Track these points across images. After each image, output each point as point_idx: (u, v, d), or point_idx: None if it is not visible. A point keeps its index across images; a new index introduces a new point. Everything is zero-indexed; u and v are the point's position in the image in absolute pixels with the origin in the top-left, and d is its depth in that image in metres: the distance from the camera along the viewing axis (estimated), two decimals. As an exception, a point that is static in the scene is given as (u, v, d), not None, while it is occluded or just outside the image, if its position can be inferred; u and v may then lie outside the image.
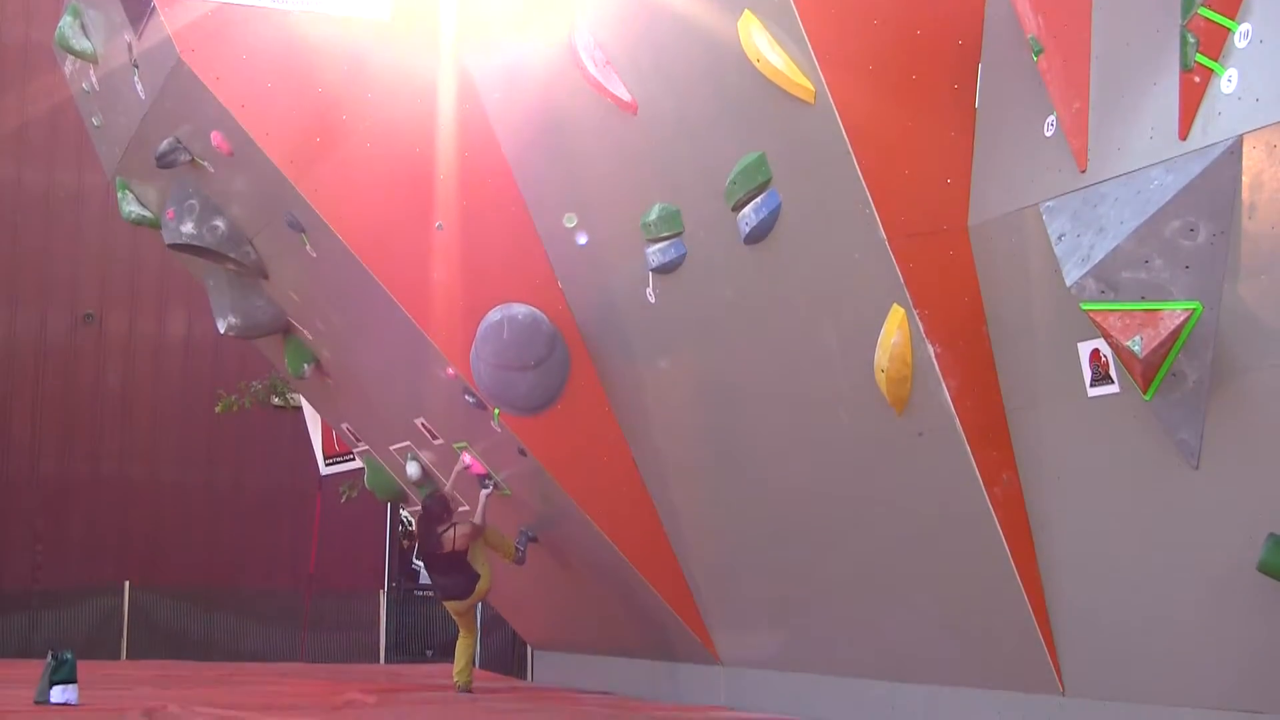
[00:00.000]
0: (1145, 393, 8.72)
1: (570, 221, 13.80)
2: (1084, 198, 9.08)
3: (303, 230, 14.61)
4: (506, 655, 25.59)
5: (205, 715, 12.17)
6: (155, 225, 17.37)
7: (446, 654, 26.62)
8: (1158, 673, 9.53)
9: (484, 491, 15.85)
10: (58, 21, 17.14)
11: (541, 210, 14.08)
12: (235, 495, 30.19)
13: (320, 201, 14.02)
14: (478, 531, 15.86)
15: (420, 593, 28.34)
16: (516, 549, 16.24)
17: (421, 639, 27.74)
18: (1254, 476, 8.58)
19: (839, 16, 10.13)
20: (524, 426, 14.44)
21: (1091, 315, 8.64)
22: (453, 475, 16.04)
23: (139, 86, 15.38)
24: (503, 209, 14.12)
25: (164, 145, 15.45)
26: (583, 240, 13.77)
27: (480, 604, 17.55)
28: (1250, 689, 8.91)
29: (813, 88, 10.17)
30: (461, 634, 17.22)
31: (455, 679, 16.94)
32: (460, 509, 16.39)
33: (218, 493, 30.18)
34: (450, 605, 16.97)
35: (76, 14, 16.60)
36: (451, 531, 15.68)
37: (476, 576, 15.88)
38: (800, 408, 11.87)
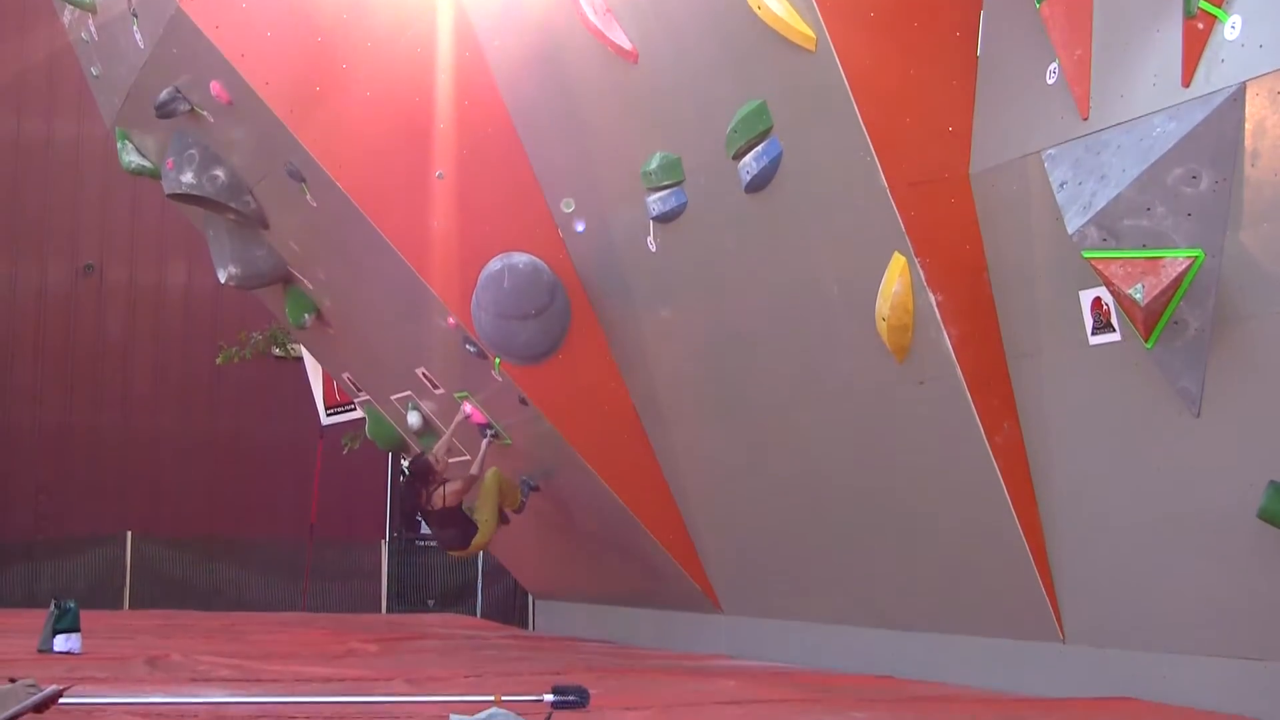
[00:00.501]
0: (1147, 341, 8.72)
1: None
2: (1086, 145, 9.06)
3: (302, 179, 14.58)
4: (508, 605, 25.69)
5: (208, 664, 12.18)
6: (155, 175, 17.36)
7: (448, 604, 26.78)
8: (1158, 620, 9.55)
9: (484, 441, 15.84)
10: (55, -30, 17.11)
11: (541, 159, 14.04)
12: (237, 446, 30.26)
13: (320, 150, 13.99)
14: (470, 484, 15.80)
15: (422, 543, 28.40)
16: (521, 499, 16.24)
17: (423, 589, 27.83)
18: (1255, 424, 8.59)
19: (840, -37, 10.10)
20: (525, 375, 14.43)
21: (1093, 263, 8.63)
22: (453, 425, 16.02)
23: (138, 36, 15.34)
24: (503, 158, 14.07)
25: (163, 95, 15.43)
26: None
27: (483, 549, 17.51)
28: (1250, 636, 8.92)
29: (814, 35, 10.13)
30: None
31: None
32: (460, 458, 16.38)
33: (219, 443, 30.25)
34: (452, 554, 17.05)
35: (74, -38, 16.57)
36: (441, 489, 15.61)
37: (472, 528, 15.83)
38: (801, 356, 11.86)
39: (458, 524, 15.81)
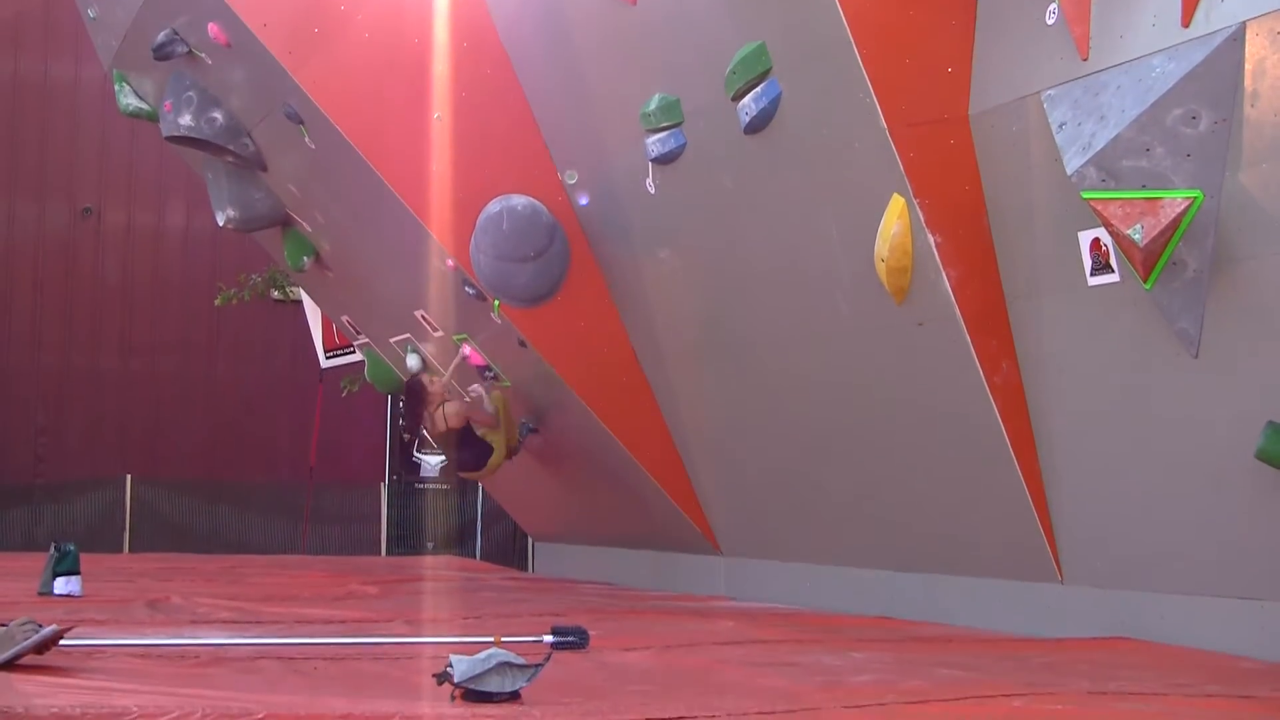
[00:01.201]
0: (1145, 281, 8.72)
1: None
2: (1085, 86, 9.05)
3: (301, 122, 14.55)
4: (507, 547, 25.79)
5: (208, 606, 12.22)
6: (153, 118, 17.32)
7: (447, 547, 26.83)
8: (1156, 561, 9.58)
9: (457, 359, 15.81)
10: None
11: (540, 101, 14.01)
12: (236, 389, 30.28)
13: (318, 92, 13.95)
14: (469, 407, 15.74)
15: (421, 485, 28.45)
16: (519, 440, 16.25)
17: (422, 532, 27.89)
18: (1253, 365, 8.60)
19: (839, -99, 10.06)
20: (524, 318, 14.43)
21: (1092, 204, 8.63)
22: (452, 367, 16.03)
23: (135, -23, 15.30)
24: (501, 100, 14.04)
25: (161, 37, 15.39)
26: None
27: (482, 491, 17.53)
28: (1249, 576, 8.95)
29: (813, -25, 10.11)
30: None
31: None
32: (465, 399, 16.35)
33: (218, 386, 30.28)
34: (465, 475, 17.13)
35: (71, -96, 16.51)
36: (441, 410, 15.59)
37: (487, 448, 15.78)
38: (800, 298, 11.87)
39: (471, 444, 15.77)
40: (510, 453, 16.21)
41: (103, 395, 29.65)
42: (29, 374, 29.48)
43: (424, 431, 15.92)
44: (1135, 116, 8.46)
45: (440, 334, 16.30)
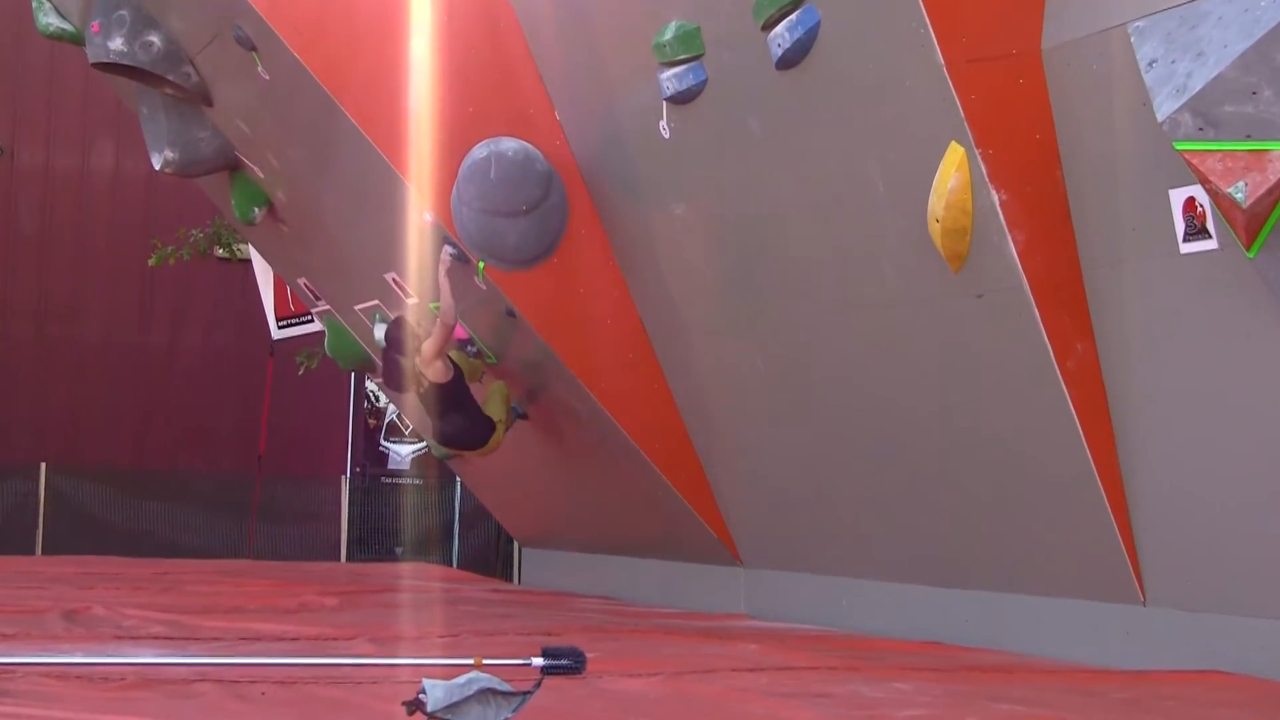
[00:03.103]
0: (1249, 249, 8.72)
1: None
2: (1180, 16, 9.04)
3: (253, 47, 14.56)
4: (489, 554, 25.82)
5: (136, 618, 12.26)
6: (78, 41, 17.32)
7: (419, 551, 26.86)
8: (1256, 582, 9.59)
9: (446, 252, 14.74)
10: None
11: (537, 28, 14.03)
12: (172, 363, 30.30)
13: (273, 12, 13.94)
14: (445, 335, 14.89)
15: (389, 480, 28.49)
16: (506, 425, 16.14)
17: (390, 533, 27.92)
18: (1374, 349, 8.62)
19: None
20: (514, 283, 14.43)
21: (1186, 156, 8.62)
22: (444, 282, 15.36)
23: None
24: (492, 26, 14.06)
25: (86, -57, 15.42)
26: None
27: (461, 487, 17.25)
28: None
29: (860, -118, 10.13)
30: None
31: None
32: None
33: (152, 360, 30.28)
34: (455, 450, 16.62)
35: None
36: (416, 361, 14.89)
37: (488, 422, 15.36)
38: (839, 264, 11.87)
39: (465, 409, 15.36)
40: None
41: (13, 368, 29.63)
42: (-75, 343, 29.54)
43: (403, 385, 15.17)
44: (1240, 53, 8.45)
45: (415, 300, 16.30)
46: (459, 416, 15.35)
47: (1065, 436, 10.32)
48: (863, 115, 11.05)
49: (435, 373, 14.97)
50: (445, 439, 15.90)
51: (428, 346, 14.88)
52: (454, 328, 14.96)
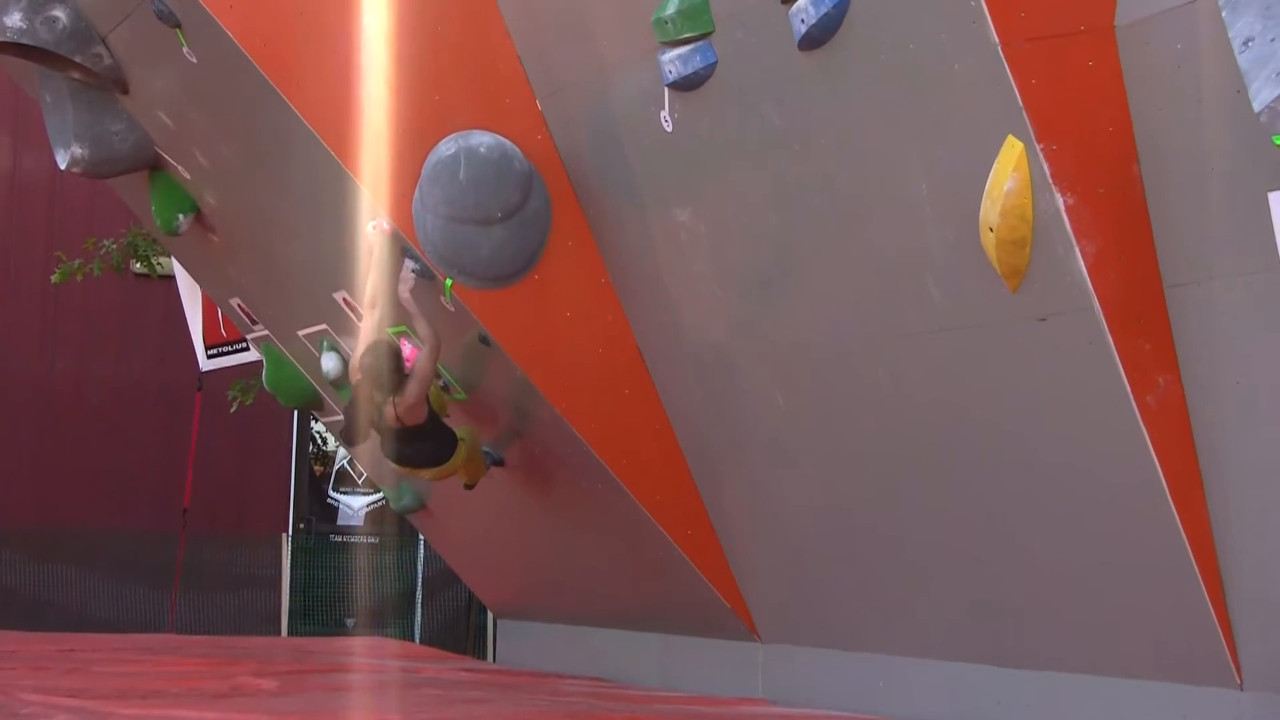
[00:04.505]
0: (1362, 264, 8.75)
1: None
2: (1280, -13, 9.07)
3: (177, 24, 14.58)
4: (458, 626, 25.88)
5: (36, 704, 12.25)
6: (-33, 17, 17.38)
7: (374, 623, 26.90)
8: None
9: (407, 267, 14.68)
10: None
11: (514, 1, 14.05)
12: (80, 399, 30.33)
13: (202, -18, 14.02)
14: (434, 365, 14.85)
15: (339, 538, 28.53)
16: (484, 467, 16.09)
17: (339, 603, 27.96)
18: None
19: None
20: (488, 303, 14.44)
21: (1288, 153, 8.66)
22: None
23: None
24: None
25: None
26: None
27: (426, 547, 17.14)
28: None
29: None
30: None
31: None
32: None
33: (55, 395, 30.31)
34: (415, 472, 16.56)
35: None
36: (391, 408, 14.95)
37: (451, 438, 15.23)
38: (871, 280, 11.88)
39: (426, 436, 15.14)
40: (468, 488, 16.16)
41: (-109, 407, 29.75)
42: None
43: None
44: (1350, 31, 8.49)
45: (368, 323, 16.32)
46: (422, 443, 15.20)
47: (1145, 488, 10.31)
48: (902, 105, 11.07)
49: (414, 416, 14.92)
50: (400, 457, 15.74)
51: (414, 387, 14.66)
52: (438, 352, 14.76)
